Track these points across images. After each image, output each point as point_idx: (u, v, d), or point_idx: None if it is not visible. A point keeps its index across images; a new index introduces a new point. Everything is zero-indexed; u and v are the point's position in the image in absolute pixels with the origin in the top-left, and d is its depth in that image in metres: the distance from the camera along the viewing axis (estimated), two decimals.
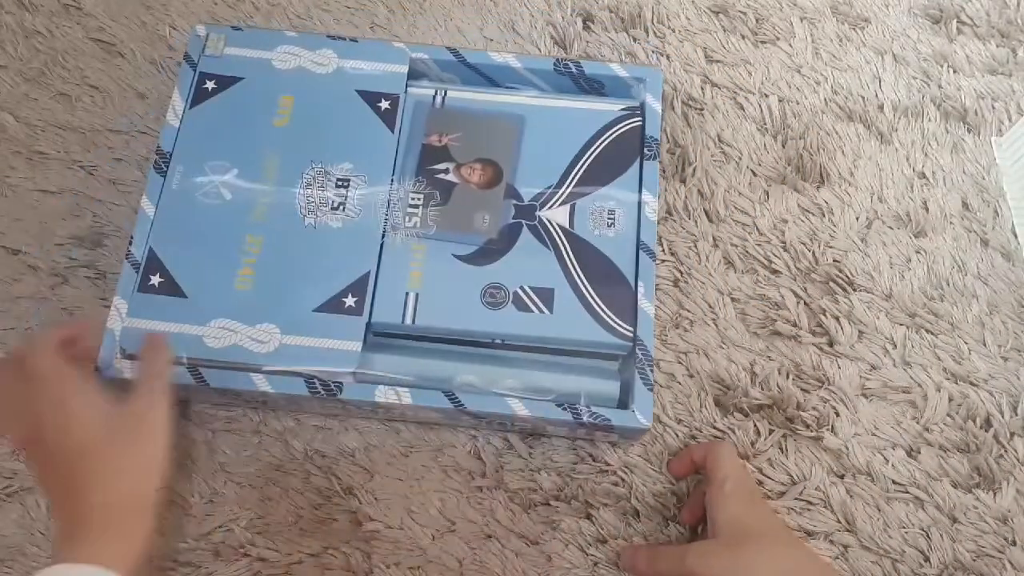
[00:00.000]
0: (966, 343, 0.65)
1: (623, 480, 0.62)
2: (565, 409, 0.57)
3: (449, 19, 0.76)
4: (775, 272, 0.67)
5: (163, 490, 0.51)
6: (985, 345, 0.66)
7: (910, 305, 0.67)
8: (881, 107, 0.73)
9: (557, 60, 0.67)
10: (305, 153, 0.63)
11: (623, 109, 0.66)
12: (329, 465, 0.62)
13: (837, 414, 0.63)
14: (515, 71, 0.67)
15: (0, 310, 0.66)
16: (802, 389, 0.64)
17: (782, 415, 0.63)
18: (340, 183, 0.62)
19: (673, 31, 0.76)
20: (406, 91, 0.65)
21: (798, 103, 0.73)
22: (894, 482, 0.62)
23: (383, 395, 0.57)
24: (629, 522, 0.60)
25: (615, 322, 0.59)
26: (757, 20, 0.76)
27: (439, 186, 0.63)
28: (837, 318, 0.66)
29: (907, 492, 0.61)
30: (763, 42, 0.76)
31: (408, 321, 0.59)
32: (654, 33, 0.75)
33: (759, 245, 0.68)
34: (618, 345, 0.59)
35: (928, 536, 0.60)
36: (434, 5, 0.77)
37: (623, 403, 0.59)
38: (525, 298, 0.60)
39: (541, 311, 0.59)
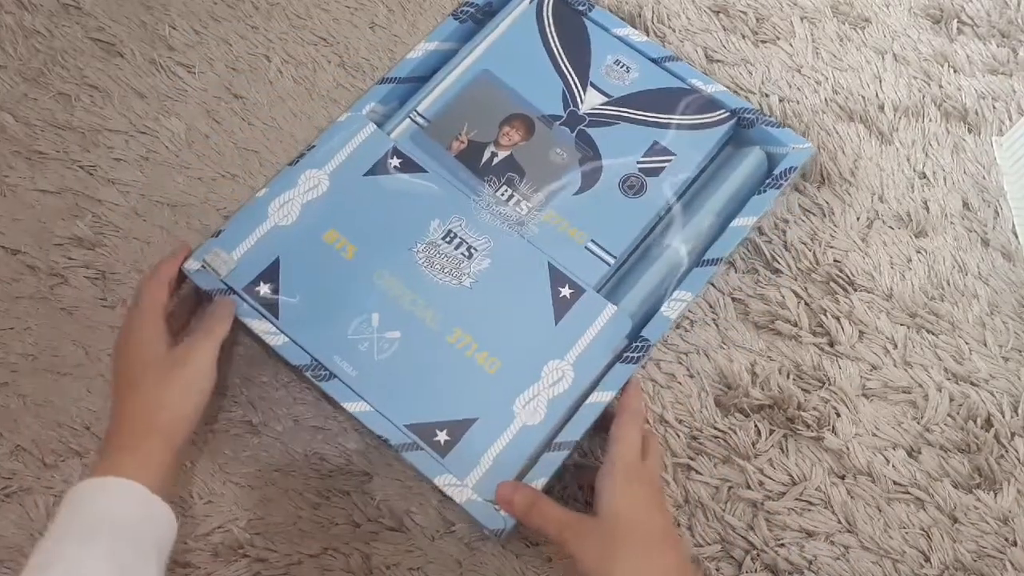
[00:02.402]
0: (967, 343, 0.65)
1: None
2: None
3: None
4: (776, 272, 0.67)
5: (194, 424, 0.56)
6: (986, 345, 0.66)
7: (911, 305, 0.66)
8: (881, 107, 0.73)
9: (453, 14, 0.69)
10: (397, 251, 0.61)
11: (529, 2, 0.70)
12: (328, 466, 0.62)
13: (838, 414, 0.63)
14: (436, 53, 0.68)
15: (0, 310, 0.66)
16: (802, 389, 0.64)
17: (783, 415, 0.63)
18: (448, 238, 0.61)
19: (673, 31, 0.76)
20: (392, 136, 0.65)
21: (798, 103, 0.73)
22: (895, 482, 0.62)
23: None
24: None
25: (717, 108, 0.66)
26: (757, 20, 0.76)
27: (505, 168, 0.64)
28: (838, 318, 0.66)
29: (908, 492, 0.61)
30: (763, 42, 0.76)
31: (614, 258, 0.62)
32: (654, 33, 0.75)
33: (760, 245, 0.68)
34: (745, 107, 0.66)
35: (929, 536, 0.60)
36: (434, 5, 0.77)
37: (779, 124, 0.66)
38: (649, 165, 0.64)
39: (670, 160, 0.64)
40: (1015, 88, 0.74)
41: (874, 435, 0.63)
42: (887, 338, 0.65)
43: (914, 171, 0.71)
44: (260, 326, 0.58)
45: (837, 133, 0.72)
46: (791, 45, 0.75)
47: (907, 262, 0.68)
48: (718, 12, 0.77)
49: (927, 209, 0.70)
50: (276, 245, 0.60)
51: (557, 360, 0.58)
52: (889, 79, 0.74)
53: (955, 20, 0.76)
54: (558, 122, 0.66)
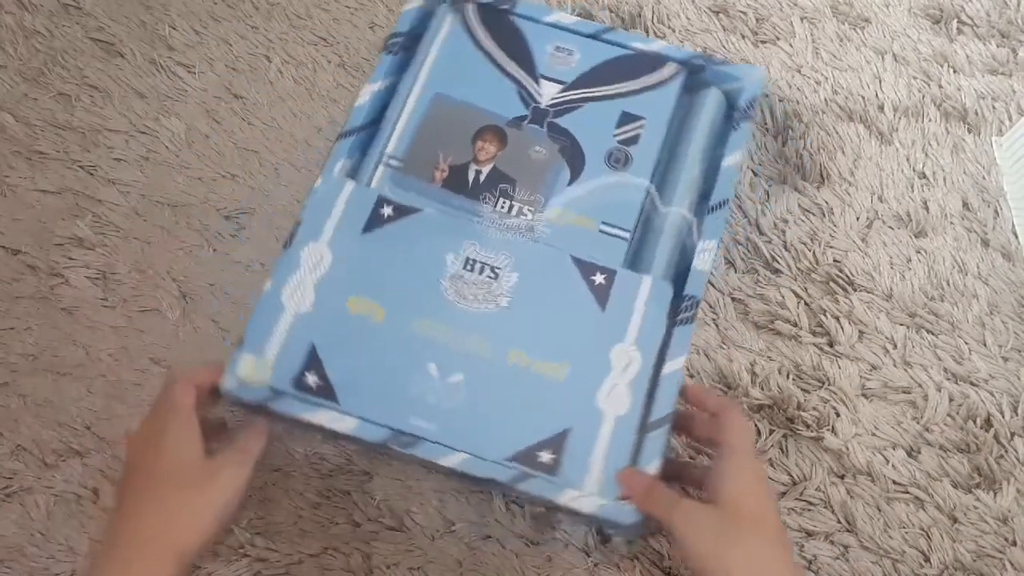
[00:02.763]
0: (966, 343, 0.65)
1: None
2: None
3: None
4: (776, 272, 0.67)
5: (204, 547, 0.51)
6: (985, 345, 0.66)
7: (910, 305, 0.67)
8: (881, 107, 0.73)
9: (384, 48, 0.68)
10: (425, 297, 0.59)
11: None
12: (328, 465, 0.62)
13: (837, 414, 0.63)
14: (381, 92, 0.66)
15: (0, 310, 0.66)
16: (802, 389, 0.64)
17: (782, 415, 0.63)
18: (469, 267, 0.60)
19: (673, 31, 0.76)
20: (373, 187, 0.63)
21: (798, 103, 0.73)
22: (894, 482, 0.62)
23: None
24: None
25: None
26: (757, 20, 0.76)
27: (494, 181, 0.64)
28: (837, 318, 0.66)
29: (907, 492, 0.61)
30: (763, 42, 0.76)
31: (628, 232, 0.62)
32: (654, 33, 0.75)
33: (759, 245, 0.68)
34: (691, 55, 0.68)
35: (928, 536, 0.60)
36: None
37: None
38: (625, 135, 0.65)
39: (643, 123, 0.65)
40: (1015, 88, 0.74)
41: (874, 435, 0.63)
42: (887, 338, 0.66)
43: (914, 171, 0.71)
44: (324, 416, 0.55)
45: (837, 133, 0.72)
46: (791, 45, 0.75)
47: (907, 262, 0.68)
48: (718, 12, 0.77)
49: (927, 209, 0.70)
50: (305, 332, 0.57)
51: (620, 344, 0.58)
52: (889, 79, 0.74)
53: (955, 20, 0.76)
54: (525, 122, 0.65)
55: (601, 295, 0.59)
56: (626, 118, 0.65)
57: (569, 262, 0.60)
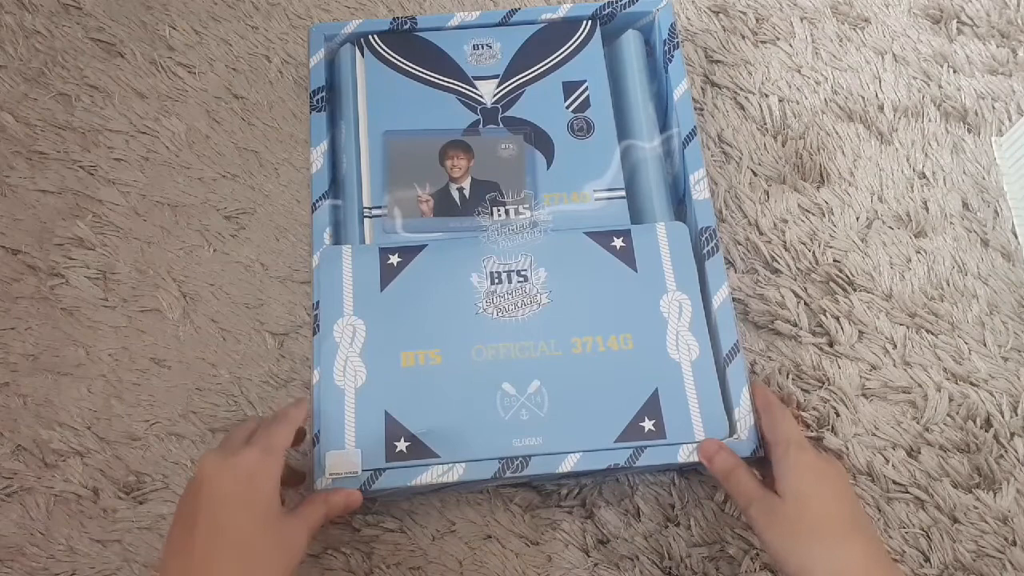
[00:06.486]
0: (966, 343, 0.65)
1: (625, 479, 0.62)
2: None
3: None
4: (775, 272, 0.67)
5: None
6: (985, 345, 0.66)
7: (910, 305, 0.67)
8: (881, 107, 0.73)
9: (312, 108, 0.66)
10: (470, 324, 0.59)
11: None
12: None
13: (837, 414, 0.63)
14: (328, 153, 0.65)
15: (0, 310, 0.66)
16: (802, 389, 0.64)
17: None
18: (496, 280, 0.60)
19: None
20: (369, 243, 0.62)
21: (798, 103, 0.73)
22: (894, 482, 0.62)
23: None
24: (630, 522, 0.60)
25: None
26: (757, 20, 0.76)
27: (479, 192, 0.64)
28: (837, 318, 0.66)
29: (907, 492, 0.61)
30: (763, 42, 0.76)
31: (623, 189, 0.64)
32: None
33: (759, 245, 0.68)
34: (596, 8, 0.70)
35: (928, 536, 0.60)
36: (434, 5, 0.77)
37: None
38: (576, 102, 0.66)
39: (586, 85, 0.67)
40: (1015, 88, 0.74)
41: (874, 435, 0.63)
42: (887, 338, 0.66)
43: (914, 171, 0.71)
44: (431, 474, 0.54)
45: (837, 133, 0.72)
46: (791, 45, 0.75)
47: (907, 262, 0.68)
48: (718, 12, 0.77)
49: (927, 209, 0.70)
50: (373, 404, 0.56)
51: (664, 295, 0.59)
52: (889, 79, 0.74)
53: (955, 20, 0.76)
54: (480, 125, 0.66)
55: (626, 257, 0.60)
56: (569, 87, 0.67)
57: (584, 239, 0.61)
